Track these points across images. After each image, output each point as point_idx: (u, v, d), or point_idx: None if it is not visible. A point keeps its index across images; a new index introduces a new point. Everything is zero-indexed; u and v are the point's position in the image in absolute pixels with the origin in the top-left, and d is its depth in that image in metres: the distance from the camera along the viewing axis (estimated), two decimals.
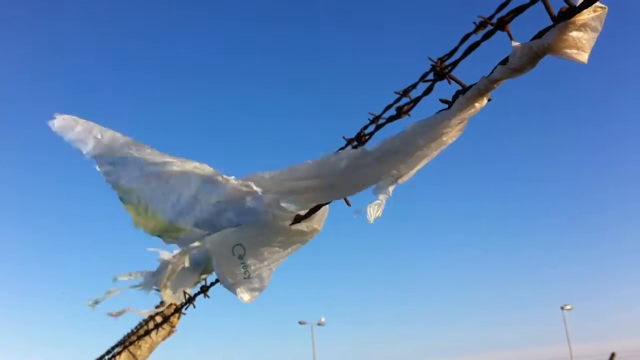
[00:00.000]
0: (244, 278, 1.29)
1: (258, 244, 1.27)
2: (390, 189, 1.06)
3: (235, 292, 1.30)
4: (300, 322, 31.65)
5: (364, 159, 1.01)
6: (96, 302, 2.63)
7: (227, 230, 1.28)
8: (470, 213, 48.37)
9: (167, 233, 1.15)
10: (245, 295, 1.30)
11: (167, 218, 1.12)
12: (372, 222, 1.13)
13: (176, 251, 2.28)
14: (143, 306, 2.86)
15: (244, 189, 1.08)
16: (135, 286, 2.41)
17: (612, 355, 12.74)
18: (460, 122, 0.95)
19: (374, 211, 1.12)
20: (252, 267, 1.28)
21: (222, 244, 1.30)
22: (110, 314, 2.62)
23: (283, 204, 1.21)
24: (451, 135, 0.97)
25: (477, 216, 46.82)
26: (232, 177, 1.08)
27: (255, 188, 1.06)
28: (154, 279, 2.35)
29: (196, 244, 2.20)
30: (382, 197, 1.09)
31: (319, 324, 31.51)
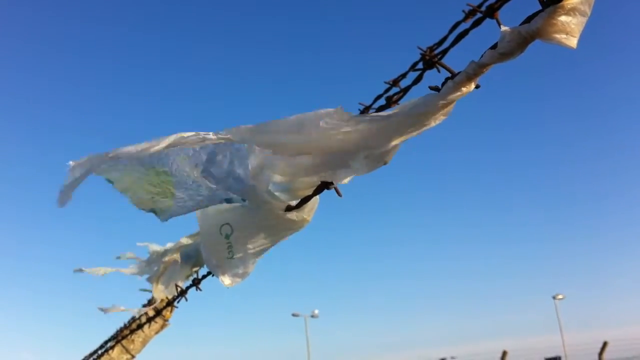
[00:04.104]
0: (227, 258, 1.28)
1: (247, 226, 1.26)
2: (363, 163, 1.05)
3: (217, 275, 1.30)
4: (293, 314, 31.73)
5: (342, 124, 1.00)
6: (104, 310, 2.62)
7: (218, 207, 1.28)
8: (462, 205, 48.59)
9: (160, 204, 1.18)
10: (226, 280, 1.29)
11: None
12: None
13: (169, 244, 2.27)
14: (133, 302, 2.86)
15: (222, 141, 1.07)
16: (132, 272, 2.39)
17: (604, 344, 12.86)
18: (445, 106, 0.95)
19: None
20: (237, 247, 1.27)
21: (211, 222, 1.29)
22: (103, 310, 2.61)
23: (275, 192, 1.20)
24: (435, 117, 0.97)
25: (469, 208, 47.04)
26: (211, 133, 1.07)
27: (233, 138, 1.06)
28: (146, 269, 2.34)
29: (188, 241, 2.19)
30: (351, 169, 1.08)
31: (313, 316, 31.61)
